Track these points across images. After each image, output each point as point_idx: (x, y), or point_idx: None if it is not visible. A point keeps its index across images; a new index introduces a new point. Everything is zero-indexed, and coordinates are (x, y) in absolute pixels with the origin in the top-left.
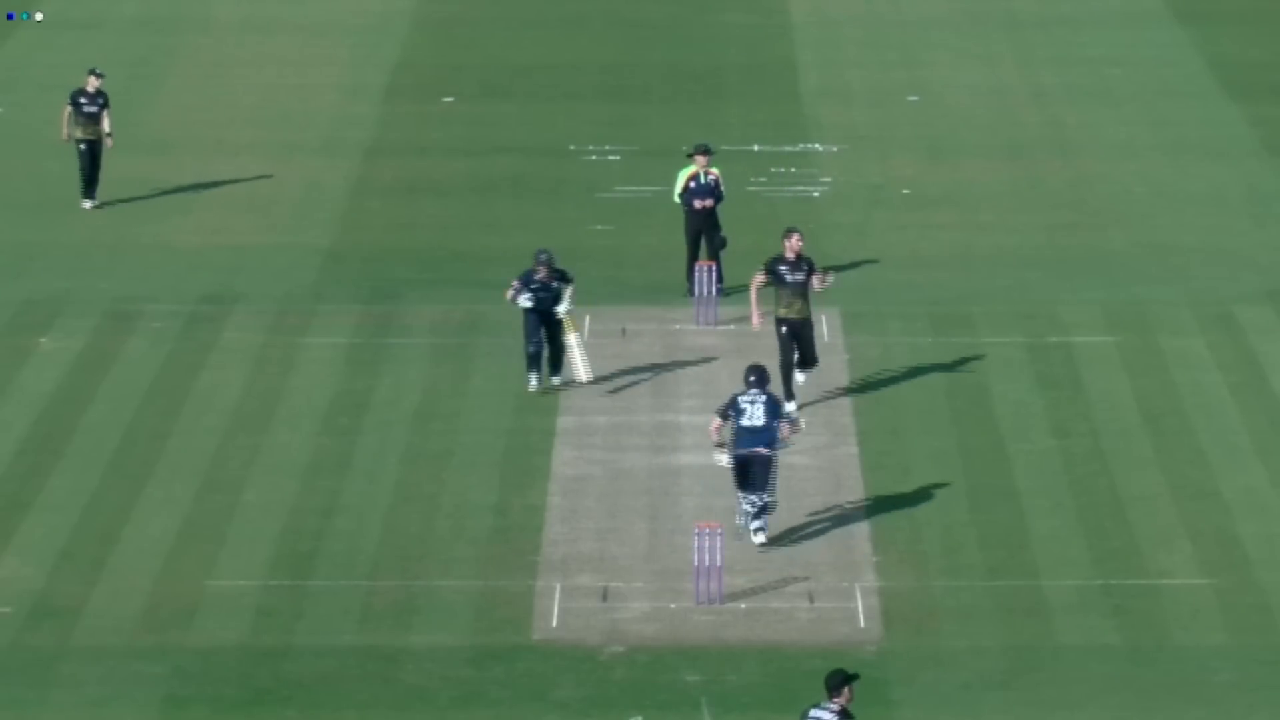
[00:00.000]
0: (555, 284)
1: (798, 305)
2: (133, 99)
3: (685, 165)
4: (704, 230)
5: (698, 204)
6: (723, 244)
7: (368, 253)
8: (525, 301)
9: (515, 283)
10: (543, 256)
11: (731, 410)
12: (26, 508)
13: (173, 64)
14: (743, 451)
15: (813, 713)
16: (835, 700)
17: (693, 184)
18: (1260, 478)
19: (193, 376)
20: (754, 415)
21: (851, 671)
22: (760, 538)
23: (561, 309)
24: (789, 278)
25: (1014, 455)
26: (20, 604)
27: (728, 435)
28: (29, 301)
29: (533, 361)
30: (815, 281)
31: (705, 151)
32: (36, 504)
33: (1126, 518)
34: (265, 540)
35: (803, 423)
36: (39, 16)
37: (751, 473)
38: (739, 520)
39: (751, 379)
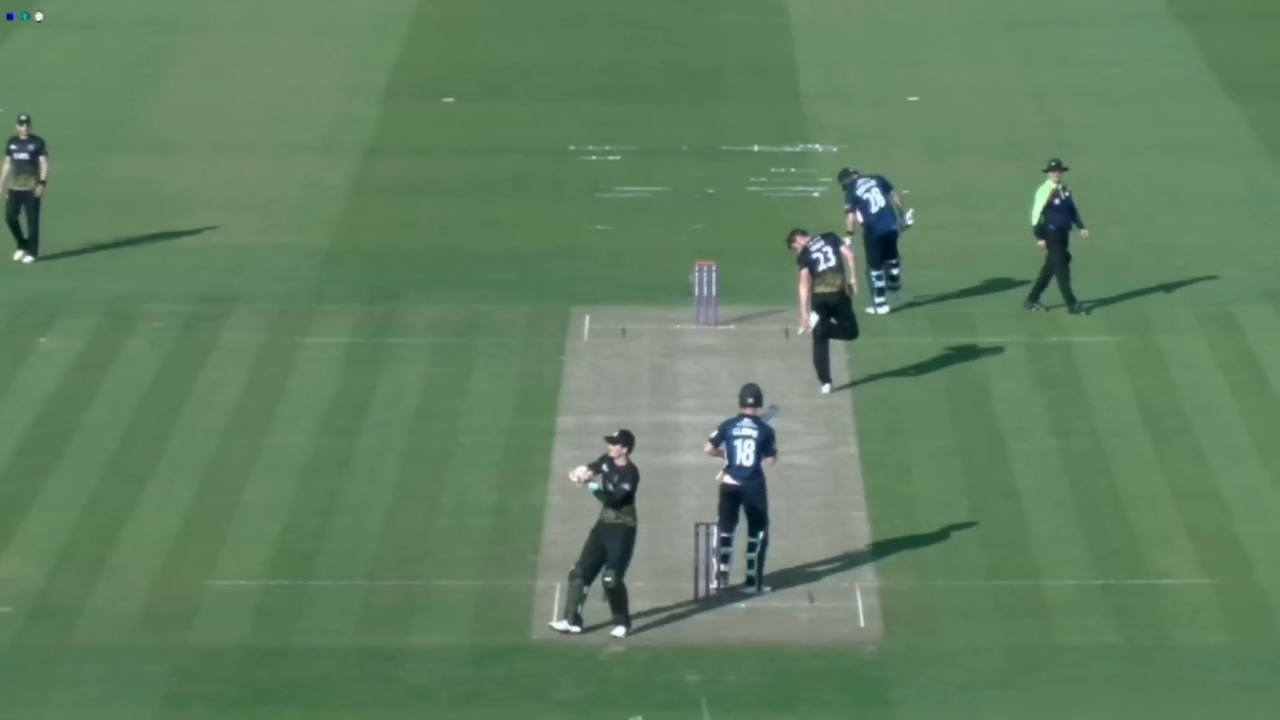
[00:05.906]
0: None
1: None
2: (133, 99)
3: (1041, 182)
4: (1065, 247)
5: (1084, 233)
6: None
7: (368, 253)
8: None
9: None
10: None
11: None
12: (26, 508)
13: (173, 64)
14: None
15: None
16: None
17: (1056, 201)
18: (1260, 478)
19: (193, 376)
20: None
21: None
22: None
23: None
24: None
25: (1014, 455)
26: (20, 604)
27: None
28: (29, 301)
29: None
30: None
31: (1061, 167)
32: (36, 504)
33: (1126, 518)
34: (265, 540)
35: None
36: (39, 16)
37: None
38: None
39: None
